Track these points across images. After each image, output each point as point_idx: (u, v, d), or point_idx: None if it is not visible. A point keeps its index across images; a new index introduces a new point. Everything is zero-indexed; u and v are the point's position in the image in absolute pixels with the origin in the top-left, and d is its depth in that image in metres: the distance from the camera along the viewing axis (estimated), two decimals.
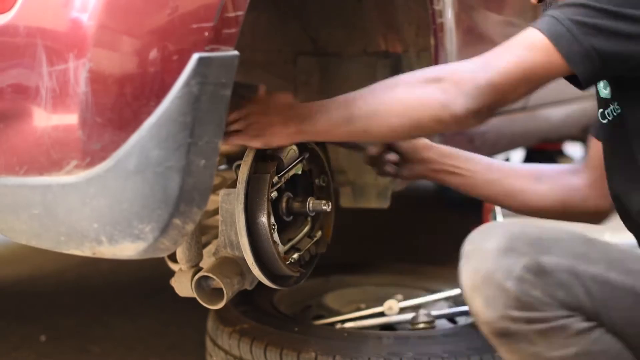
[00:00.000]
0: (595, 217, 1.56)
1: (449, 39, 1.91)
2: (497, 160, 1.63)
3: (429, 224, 3.45)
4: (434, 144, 1.60)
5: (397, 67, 1.92)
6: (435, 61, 1.86)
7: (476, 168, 1.59)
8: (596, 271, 1.13)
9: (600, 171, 1.47)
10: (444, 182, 1.63)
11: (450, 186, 1.64)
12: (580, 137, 4.01)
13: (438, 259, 2.47)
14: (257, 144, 1.34)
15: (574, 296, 1.11)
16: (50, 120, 1.15)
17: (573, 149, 4.78)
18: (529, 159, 4.38)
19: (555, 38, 1.18)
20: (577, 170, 1.59)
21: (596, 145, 1.52)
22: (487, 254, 1.12)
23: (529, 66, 1.19)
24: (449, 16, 1.90)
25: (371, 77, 1.95)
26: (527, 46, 1.21)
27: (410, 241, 3.35)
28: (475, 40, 2.21)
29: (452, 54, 1.93)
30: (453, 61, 1.94)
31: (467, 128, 1.22)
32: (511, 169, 1.61)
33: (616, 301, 1.13)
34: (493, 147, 2.92)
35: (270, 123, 1.32)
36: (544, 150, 4.03)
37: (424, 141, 1.59)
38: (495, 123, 2.51)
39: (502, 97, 1.20)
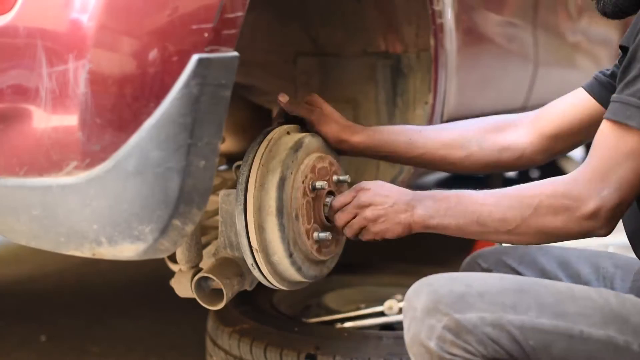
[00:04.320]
0: (526, 167, 1.56)
1: (449, 39, 1.91)
2: (418, 129, 1.56)
3: None
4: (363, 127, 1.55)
5: (397, 67, 1.92)
6: (435, 61, 1.86)
7: (399, 148, 1.54)
8: (525, 319, 1.15)
9: (552, 127, 1.46)
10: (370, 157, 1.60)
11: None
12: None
13: (438, 259, 2.47)
14: (389, 234, 1.37)
15: (500, 348, 1.14)
16: (50, 121, 1.15)
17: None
18: None
19: None
20: (514, 123, 1.53)
21: (578, 101, 1.47)
22: (415, 314, 1.18)
23: (632, 174, 1.20)
24: (448, 16, 1.90)
25: (371, 77, 1.95)
26: (631, 155, 1.19)
27: (410, 241, 3.35)
28: (475, 41, 2.21)
29: (452, 54, 1.93)
30: (453, 61, 1.94)
31: None
32: (434, 140, 1.54)
33: (549, 346, 1.15)
34: None
35: (395, 215, 1.35)
36: None
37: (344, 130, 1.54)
38: None
39: (629, 204, 1.23)
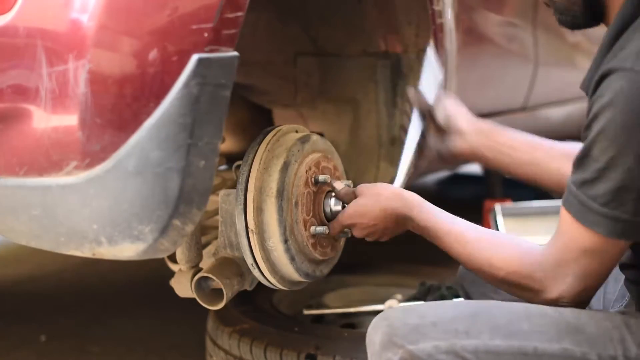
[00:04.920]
0: None
1: (449, 39, 1.91)
2: (535, 138, 1.60)
3: None
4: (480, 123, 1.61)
5: (397, 67, 1.92)
6: None
7: (520, 148, 1.57)
8: (478, 343, 1.16)
9: None
10: (488, 162, 1.62)
11: (493, 167, 1.64)
12: (580, 137, 4.00)
13: (438, 259, 2.47)
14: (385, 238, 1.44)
15: None
16: (50, 121, 1.15)
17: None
18: None
19: (625, 236, 1.16)
20: None
21: None
22: (374, 348, 1.19)
23: (609, 263, 1.20)
24: (448, 17, 1.90)
25: (371, 77, 1.95)
26: (597, 252, 1.19)
27: (410, 241, 3.35)
28: (475, 41, 2.21)
29: (452, 54, 1.93)
30: (453, 61, 1.94)
31: None
32: (550, 148, 1.57)
33: None
34: None
35: (384, 234, 1.41)
36: None
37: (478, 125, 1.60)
38: (495, 123, 2.52)
39: (595, 288, 1.23)
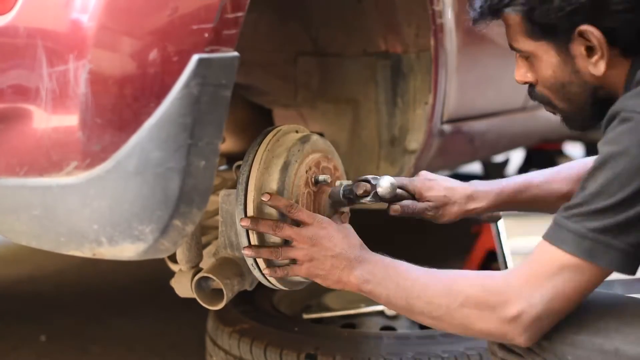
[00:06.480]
0: None
1: (449, 39, 1.91)
2: (537, 183, 1.54)
3: (429, 224, 3.44)
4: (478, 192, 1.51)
5: (397, 67, 1.92)
6: (435, 61, 1.86)
7: (523, 207, 1.54)
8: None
9: None
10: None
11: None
12: (580, 137, 4.01)
13: (438, 259, 2.47)
14: (319, 280, 1.33)
15: None
16: (50, 121, 1.15)
17: (573, 149, 4.78)
18: (529, 159, 4.38)
19: (590, 256, 1.14)
20: None
21: None
22: None
23: (579, 289, 1.17)
24: (448, 17, 1.90)
25: (371, 77, 1.95)
26: (568, 272, 1.16)
27: (410, 241, 3.35)
28: (475, 41, 2.21)
29: (452, 54, 1.93)
30: (453, 61, 1.94)
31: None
32: (552, 193, 1.53)
33: None
34: (493, 147, 2.93)
35: (332, 267, 1.31)
36: (544, 150, 4.03)
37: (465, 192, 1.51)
38: (496, 123, 2.52)
39: (559, 318, 1.19)
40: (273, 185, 1.38)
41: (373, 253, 1.33)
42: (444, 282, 1.25)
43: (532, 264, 1.19)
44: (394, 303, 1.28)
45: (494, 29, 1.36)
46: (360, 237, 1.38)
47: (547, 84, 1.29)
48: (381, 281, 1.28)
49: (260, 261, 1.39)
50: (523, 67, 1.32)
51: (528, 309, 1.16)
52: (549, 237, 1.18)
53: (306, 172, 1.41)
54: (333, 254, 1.30)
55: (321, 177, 1.43)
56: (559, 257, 1.16)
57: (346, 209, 1.51)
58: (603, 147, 1.16)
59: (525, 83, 1.34)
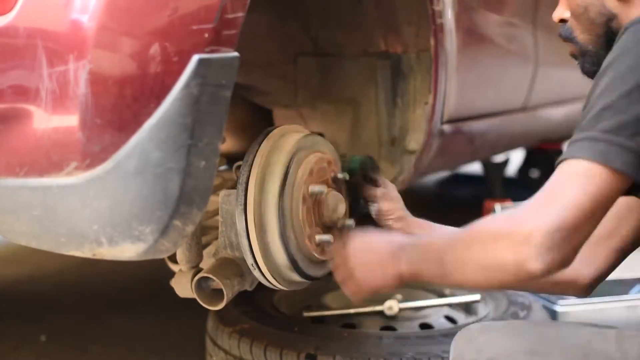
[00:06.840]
0: (571, 287, 1.38)
1: (449, 39, 1.91)
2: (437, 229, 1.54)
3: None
4: (409, 216, 1.55)
5: (397, 67, 1.92)
6: (435, 61, 1.86)
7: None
8: None
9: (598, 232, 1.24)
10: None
11: None
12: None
13: None
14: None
15: None
16: (50, 121, 1.15)
17: None
18: (529, 159, 4.38)
19: (604, 159, 1.07)
20: None
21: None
22: None
23: (593, 196, 1.07)
24: (449, 17, 1.90)
25: (371, 78, 1.95)
26: (580, 179, 1.09)
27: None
28: (475, 41, 2.21)
29: (452, 54, 1.93)
30: (453, 62, 1.94)
31: (556, 273, 1.11)
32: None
33: None
34: (493, 147, 2.93)
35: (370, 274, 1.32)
36: (544, 150, 4.03)
37: (398, 213, 1.55)
38: (496, 123, 2.52)
39: (577, 235, 1.08)
40: (273, 186, 1.38)
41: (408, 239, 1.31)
42: (465, 232, 1.18)
43: (547, 184, 1.12)
44: (435, 278, 1.24)
45: (495, 29, 1.37)
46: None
47: (575, 11, 1.32)
48: (415, 264, 1.22)
49: (260, 261, 1.39)
50: (562, 5, 1.36)
51: (540, 224, 1.06)
52: (564, 155, 1.12)
53: (301, 189, 1.41)
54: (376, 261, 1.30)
55: (317, 189, 1.43)
56: (572, 166, 1.09)
57: (351, 222, 1.51)
58: (606, 58, 1.15)
59: (561, 21, 1.38)
